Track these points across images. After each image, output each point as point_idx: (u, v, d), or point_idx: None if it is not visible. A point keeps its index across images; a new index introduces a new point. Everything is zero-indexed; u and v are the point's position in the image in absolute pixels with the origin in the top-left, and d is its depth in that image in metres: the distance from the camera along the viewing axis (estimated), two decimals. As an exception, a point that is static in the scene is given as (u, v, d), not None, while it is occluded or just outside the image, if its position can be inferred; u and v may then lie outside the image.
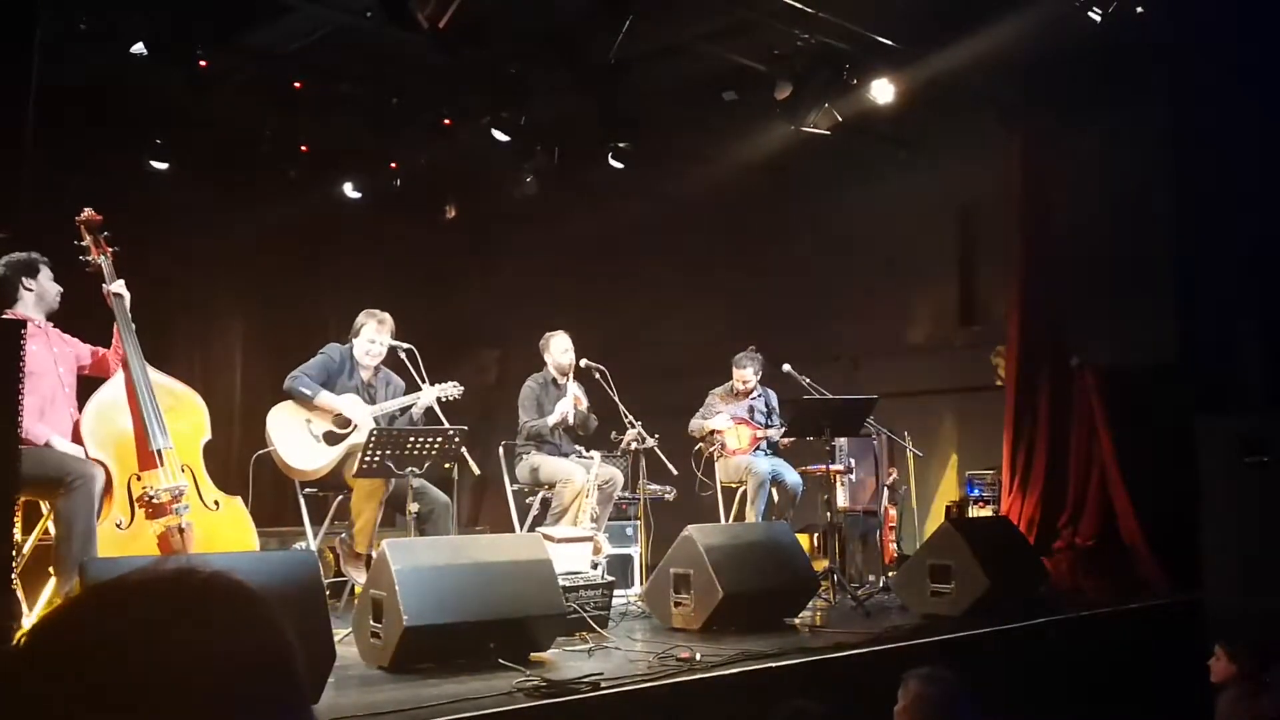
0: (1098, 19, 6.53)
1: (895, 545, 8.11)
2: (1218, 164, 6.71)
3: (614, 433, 6.58)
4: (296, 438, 5.27)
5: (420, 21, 6.16)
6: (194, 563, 0.88)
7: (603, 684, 3.60)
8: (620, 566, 6.52)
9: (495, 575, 4.20)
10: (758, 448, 7.00)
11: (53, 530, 4.07)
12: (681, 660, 4.04)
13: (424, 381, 5.50)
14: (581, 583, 4.75)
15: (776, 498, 6.83)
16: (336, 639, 3.82)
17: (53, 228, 4.54)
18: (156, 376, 4.42)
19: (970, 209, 9.01)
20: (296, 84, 7.75)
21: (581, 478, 6.08)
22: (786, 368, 6.85)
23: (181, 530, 4.13)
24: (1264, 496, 5.39)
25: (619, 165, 8.50)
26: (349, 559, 5.34)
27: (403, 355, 5.54)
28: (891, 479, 8.21)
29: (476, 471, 5.40)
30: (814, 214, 9.52)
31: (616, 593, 5.12)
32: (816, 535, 7.52)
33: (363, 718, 3.22)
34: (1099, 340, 7.73)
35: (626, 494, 6.79)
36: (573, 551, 5.30)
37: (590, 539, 5.62)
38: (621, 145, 8.43)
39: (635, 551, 6.74)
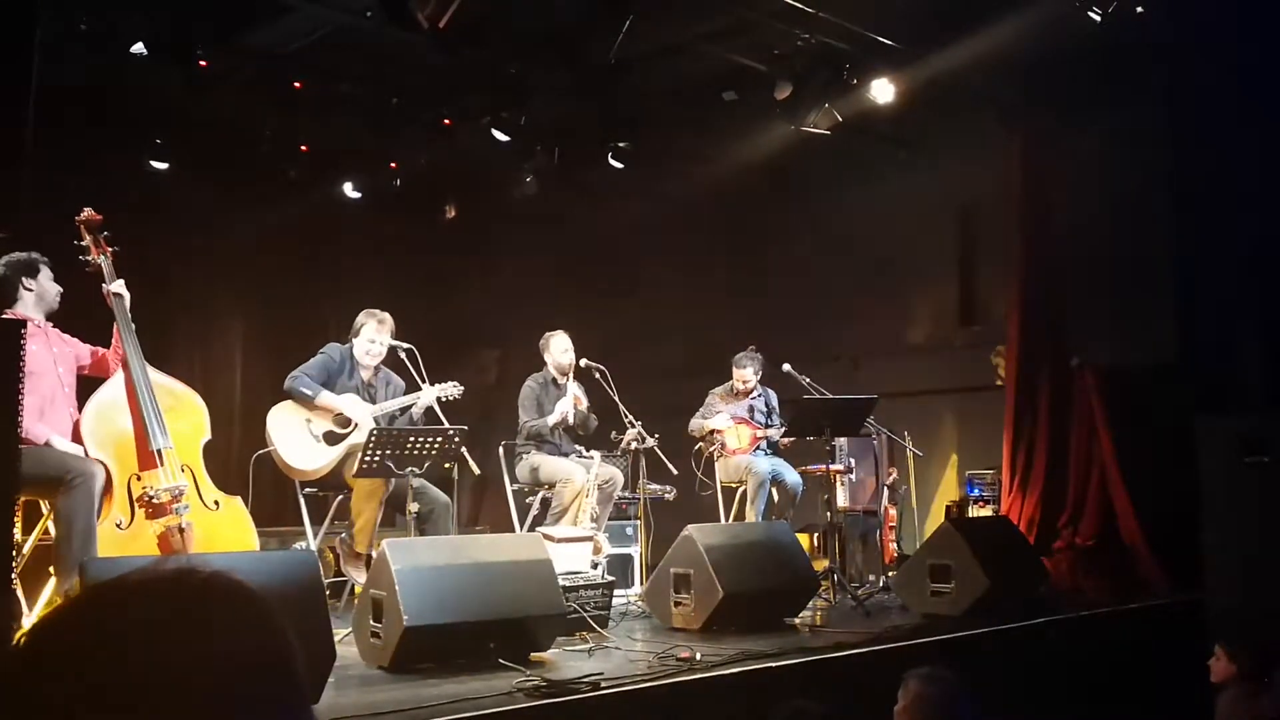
0: (1098, 19, 6.53)
1: (895, 545, 8.11)
2: (1217, 164, 6.70)
3: (614, 433, 6.58)
4: (296, 437, 5.27)
5: (420, 21, 6.16)
6: (194, 563, 0.88)
7: (603, 684, 3.60)
8: (620, 566, 6.52)
9: (495, 575, 4.20)
10: (758, 447, 7.00)
11: (53, 530, 4.07)
12: (681, 660, 4.04)
13: (424, 381, 5.50)
14: (581, 583, 4.75)
15: (776, 498, 6.83)
16: (336, 639, 3.82)
17: (53, 228, 4.54)
18: (156, 376, 4.42)
19: (970, 209, 9.02)
20: (296, 84, 7.75)
21: (581, 477, 6.08)
22: (786, 368, 6.85)
23: (181, 530, 4.13)
24: (1264, 496, 5.38)
25: (619, 165, 8.51)
26: (349, 559, 5.34)
27: (403, 355, 5.54)
28: (891, 479, 8.21)
29: (476, 471, 5.40)
30: (814, 214, 9.52)
31: (616, 593, 5.12)
32: (816, 535, 7.53)
33: (363, 718, 3.22)
34: (1099, 340, 7.73)
35: (626, 494, 6.79)
36: (573, 551, 5.30)
37: (590, 539, 5.62)
38: (621, 145, 8.44)
39: (635, 551, 6.75)
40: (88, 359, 4.53)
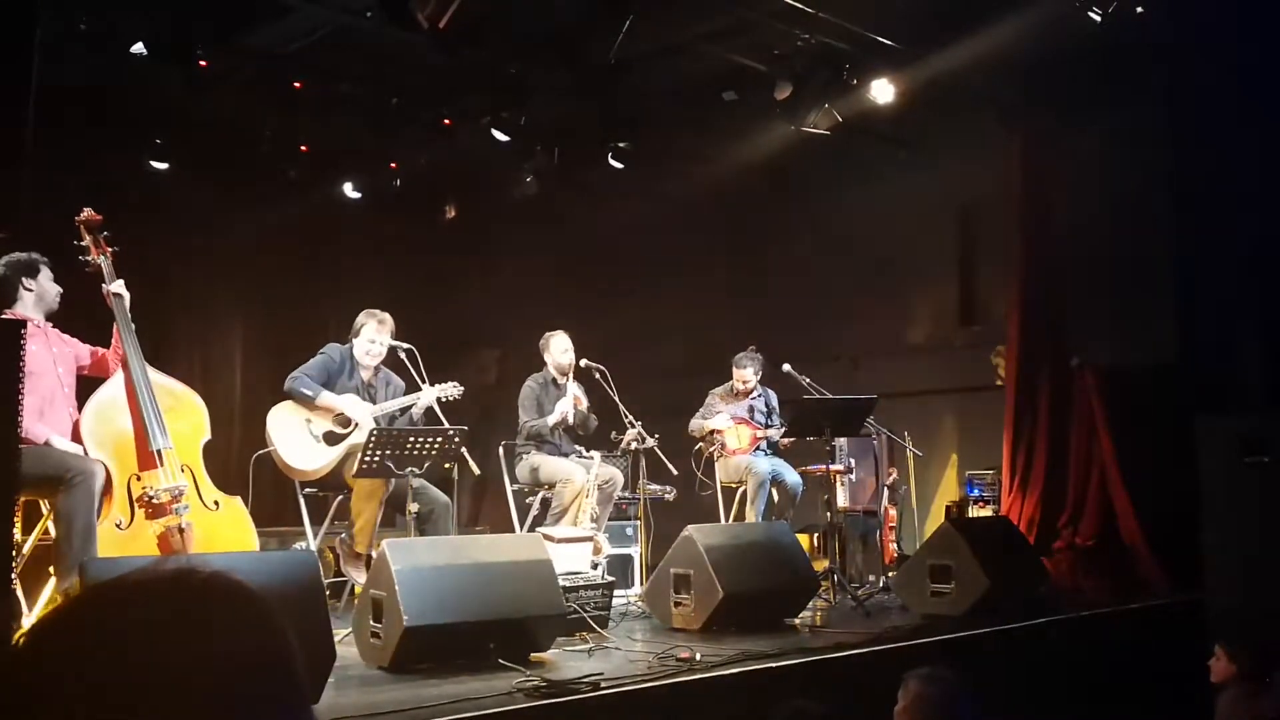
0: (1098, 19, 6.53)
1: (895, 545, 8.11)
2: (1217, 164, 6.71)
3: (614, 433, 6.58)
4: (296, 438, 5.27)
5: (420, 21, 6.16)
6: (194, 563, 0.88)
7: (603, 684, 3.60)
8: (620, 566, 6.52)
9: (495, 575, 4.20)
10: (758, 448, 7.00)
11: (53, 530, 4.07)
12: (681, 660, 4.04)
13: (424, 381, 5.50)
14: (581, 583, 4.74)
15: (776, 498, 6.83)
16: (336, 639, 3.82)
17: (53, 228, 4.54)
18: (156, 376, 4.42)
19: (970, 209, 9.02)
20: (296, 84, 7.75)
21: (581, 478, 6.08)
22: (786, 368, 6.85)
23: (181, 530, 4.13)
24: (1264, 496, 5.38)
25: (619, 165, 8.51)
26: (349, 559, 5.34)
27: (403, 355, 5.54)
28: (891, 479, 8.21)
29: (476, 471, 5.40)
30: (814, 214, 9.52)
31: (616, 593, 5.12)
32: (816, 535, 7.52)
33: (363, 718, 3.22)
34: (1099, 340, 7.73)
35: (626, 494, 6.79)
36: (573, 551, 5.30)
37: (590, 539, 5.62)
38: (621, 145, 8.44)
39: (635, 551, 6.74)
40: (87, 359, 4.52)
